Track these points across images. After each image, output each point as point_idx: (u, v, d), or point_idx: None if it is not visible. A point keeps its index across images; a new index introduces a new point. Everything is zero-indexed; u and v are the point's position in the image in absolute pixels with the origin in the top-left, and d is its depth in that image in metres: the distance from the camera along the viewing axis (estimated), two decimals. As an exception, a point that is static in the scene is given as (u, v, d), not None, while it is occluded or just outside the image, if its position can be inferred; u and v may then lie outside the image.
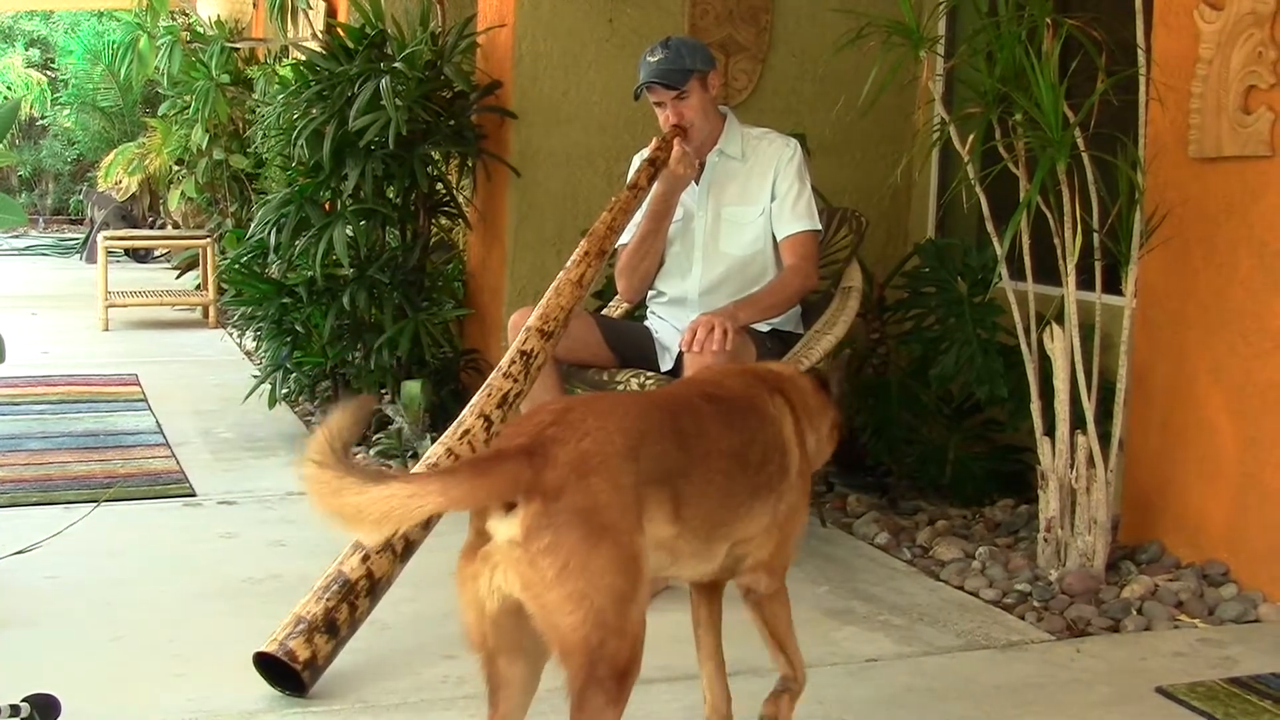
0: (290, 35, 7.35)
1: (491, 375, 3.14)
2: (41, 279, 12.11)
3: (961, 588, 3.53)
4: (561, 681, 1.89)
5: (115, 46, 13.95)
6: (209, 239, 9.11)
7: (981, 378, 4.11)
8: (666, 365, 3.71)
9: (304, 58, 5.26)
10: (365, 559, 2.79)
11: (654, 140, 3.63)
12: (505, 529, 1.88)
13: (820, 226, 3.71)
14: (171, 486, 4.44)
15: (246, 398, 5.32)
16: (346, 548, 2.85)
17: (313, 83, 4.99)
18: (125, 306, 8.87)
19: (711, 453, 2.13)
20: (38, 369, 6.63)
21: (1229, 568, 3.52)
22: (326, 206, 5.07)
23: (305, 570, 3.14)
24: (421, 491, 1.84)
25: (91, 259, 11.75)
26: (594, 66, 5.08)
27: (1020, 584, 3.50)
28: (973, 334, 4.15)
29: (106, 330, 8.46)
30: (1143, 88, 3.52)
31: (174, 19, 9.62)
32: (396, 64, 4.86)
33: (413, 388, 4.76)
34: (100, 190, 13.54)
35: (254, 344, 6.30)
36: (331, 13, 7.65)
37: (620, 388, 3.55)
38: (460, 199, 5.43)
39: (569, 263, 3.34)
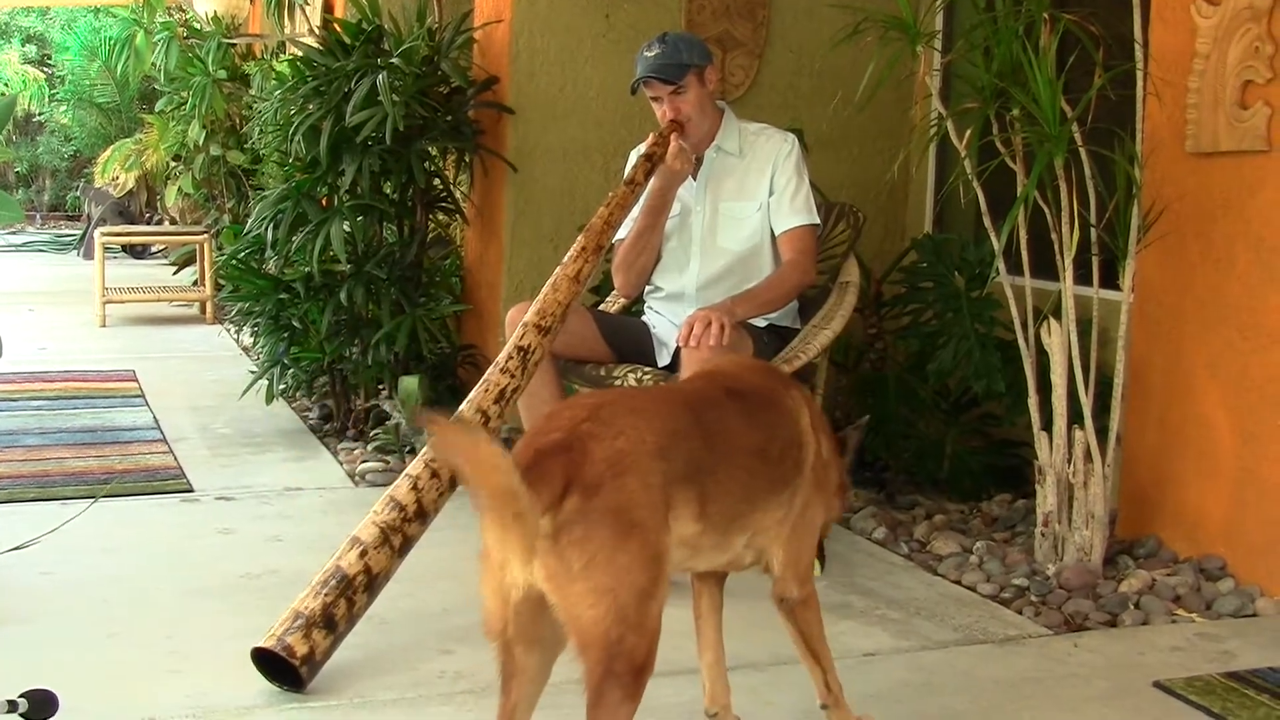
0: (287, 31, 7.33)
1: (489, 371, 3.14)
2: (39, 275, 12.09)
3: (959, 582, 3.53)
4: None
5: (112, 43, 13.95)
6: (206, 235, 9.10)
7: (979, 372, 4.11)
8: (664, 360, 3.71)
9: (301, 53, 5.26)
10: (363, 554, 2.80)
11: (651, 135, 3.63)
12: (541, 522, 1.90)
13: (819, 221, 3.70)
14: (169, 482, 4.43)
15: (244, 393, 5.32)
16: (344, 543, 2.85)
17: (310, 78, 4.99)
18: (122, 302, 8.86)
19: (735, 449, 2.18)
20: (35, 365, 6.62)
21: (1226, 562, 3.52)
22: (324, 202, 5.07)
23: (303, 566, 3.14)
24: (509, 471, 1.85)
25: (88, 255, 11.74)
26: (591, 62, 5.08)
27: (1018, 579, 3.51)
28: (970, 329, 4.15)
29: (104, 326, 8.45)
30: (1140, 83, 3.52)
31: (170, 15, 9.59)
32: (393, 59, 4.86)
33: (410, 383, 4.76)
34: (97, 186, 13.54)
35: (251, 339, 6.29)
36: (328, 8, 7.63)
37: (617, 383, 3.55)
38: (457, 194, 5.43)
39: (566, 258, 3.34)
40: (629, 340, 3.76)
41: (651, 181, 3.59)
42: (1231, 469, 3.54)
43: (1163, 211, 3.54)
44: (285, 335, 5.15)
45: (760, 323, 3.63)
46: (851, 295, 3.84)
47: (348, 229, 4.89)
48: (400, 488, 2.91)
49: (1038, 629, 3.20)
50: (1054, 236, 3.51)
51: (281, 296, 5.07)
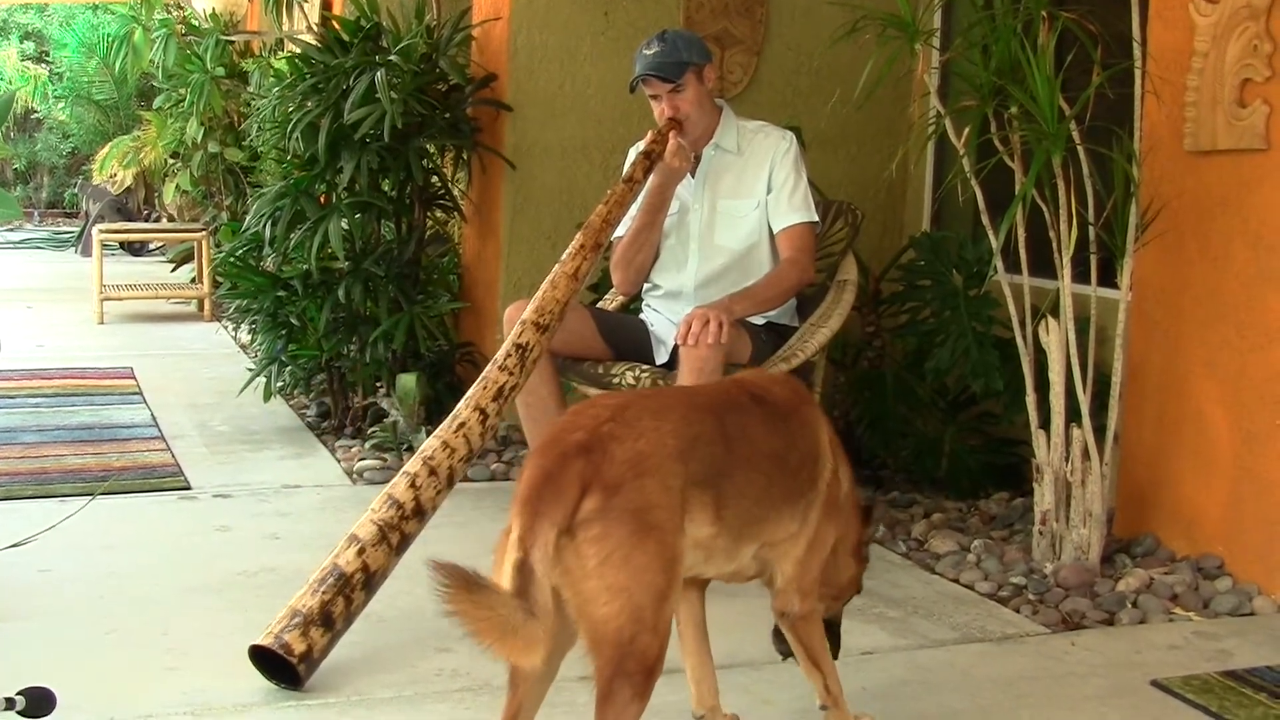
0: (285, 28, 7.33)
1: (487, 368, 3.14)
2: (36, 272, 12.07)
3: (957, 581, 3.53)
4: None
5: (110, 40, 13.93)
6: (204, 232, 9.09)
7: (977, 371, 4.11)
8: (662, 358, 3.71)
9: (299, 51, 5.25)
10: (361, 553, 2.79)
11: (650, 133, 3.63)
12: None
13: (817, 218, 3.70)
14: (166, 480, 4.43)
15: (242, 391, 5.31)
16: (341, 541, 2.85)
17: (308, 76, 4.99)
18: (120, 300, 8.84)
19: (754, 456, 2.19)
20: (33, 362, 6.61)
21: (1224, 561, 3.52)
22: (322, 200, 5.07)
23: (300, 563, 3.14)
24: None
25: (86, 252, 11.71)
26: (590, 59, 5.08)
27: (1015, 577, 3.51)
28: (968, 327, 4.15)
29: (101, 323, 8.44)
30: (1138, 81, 3.51)
31: (169, 12, 9.59)
32: (392, 57, 4.85)
33: (408, 381, 4.75)
34: (95, 183, 13.50)
35: (249, 337, 6.29)
36: (327, 5, 7.63)
37: (616, 381, 3.55)
38: (456, 192, 5.43)
39: (564, 256, 3.34)
40: (627, 338, 3.76)
41: (650, 179, 3.59)
42: (1229, 467, 3.54)
43: (1161, 210, 3.54)
44: (283, 332, 5.15)
45: (758, 320, 3.63)
46: (850, 293, 3.84)
47: (346, 226, 4.89)
48: (398, 485, 2.91)
49: (1035, 627, 3.20)
50: (1052, 235, 3.51)
51: (279, 294, 5.07)
